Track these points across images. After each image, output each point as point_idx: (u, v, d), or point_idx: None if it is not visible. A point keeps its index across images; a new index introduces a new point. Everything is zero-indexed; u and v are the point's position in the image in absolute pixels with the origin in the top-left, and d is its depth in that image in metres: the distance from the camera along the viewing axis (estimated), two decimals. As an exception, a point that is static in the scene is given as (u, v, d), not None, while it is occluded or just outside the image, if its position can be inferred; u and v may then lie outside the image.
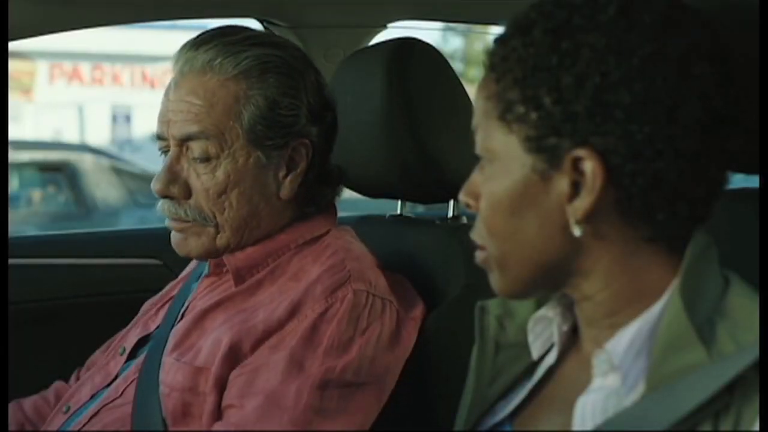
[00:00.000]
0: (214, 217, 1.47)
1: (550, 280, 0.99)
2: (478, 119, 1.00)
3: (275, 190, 1.49)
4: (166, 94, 1.49)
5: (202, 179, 1.45)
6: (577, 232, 0.94)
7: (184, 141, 1.46)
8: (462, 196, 1.02)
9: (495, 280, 1.01)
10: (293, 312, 1.40)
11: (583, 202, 0.93)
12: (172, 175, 1.47)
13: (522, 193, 0.96)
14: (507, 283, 1.00)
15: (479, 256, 1.01)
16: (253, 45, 1.48)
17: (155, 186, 1.47)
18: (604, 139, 0.91)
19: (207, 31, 1.50)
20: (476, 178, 1.01)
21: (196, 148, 1.45)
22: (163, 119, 1.48)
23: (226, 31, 1.51)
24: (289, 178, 1.49)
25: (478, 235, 1.01)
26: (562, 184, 0.94)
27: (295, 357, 1.37)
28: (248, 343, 1.40)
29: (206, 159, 1.45)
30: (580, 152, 0.92)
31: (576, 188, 0.93)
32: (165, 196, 1.48)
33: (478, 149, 1.00)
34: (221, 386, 1.40)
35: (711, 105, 0.93)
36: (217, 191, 1.45)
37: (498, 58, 0.97)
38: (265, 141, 1.46)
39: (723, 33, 0.96)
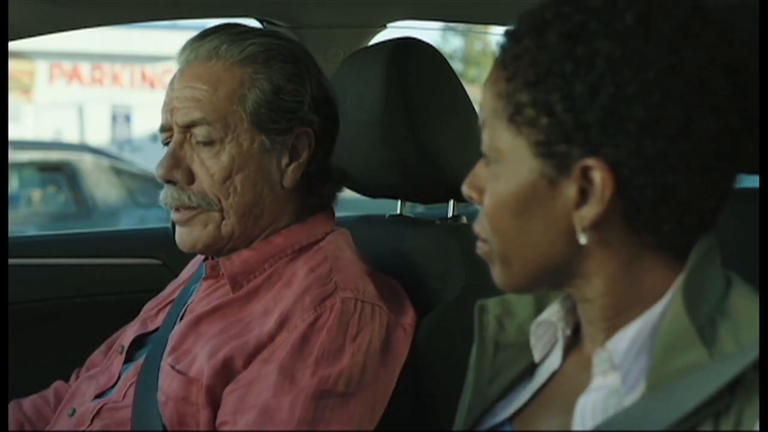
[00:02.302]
0: (219, 202, 1.46)
1: (551, 280, 0.99)
2: (485, 116, 0.98)
3: (279, 178, 1.49)
4: (171, 84, 1.50)
5: (207, 164, 1.46)
6: (582, 240, 0.93)
7: (188, 127, 1.46)
8: (465, 189, 1.01)
9: (497, 273, 1.01)
10: (283, 324, 1.40)
11: (590, 211, 0.92)
12: (176, 160, 1.47)
13: (528, 196, 0.95)
14: (508, 278, 1.00)
15: (481, 248, 1.01)
16: (258, 35, 1.50)
17: (158, 171, 1.47)
18: (615, 150, 0.90)
19: (212, 26, 1.52)
20: (480, 171, 1.00)
21: (200, 132, 1.45)
22: (168, 108, 1.49)
23: (231, 24, 1.53)
24: (292, 167, 1.49)
25: (480, 228, 1.00)
26: (569, 190, 0.93)
27: (287, 369, 1.36)
28: (241, 359, 1.40)
29: (210, 143, 1.45)
30: (590, 162, 0.91)
31: (584, 196, 0.93)
32: (168, 181, 1.48)
33: (485, 147, 0.99)
34: (213, 400, 1.40)
35: (725, 119, 0.91)
36: (222, 176, 1.45)
37: (509, 57, 0.95)
38: (269, 125, 1.47)
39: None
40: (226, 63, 1.47)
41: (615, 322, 0.97)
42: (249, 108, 1.46)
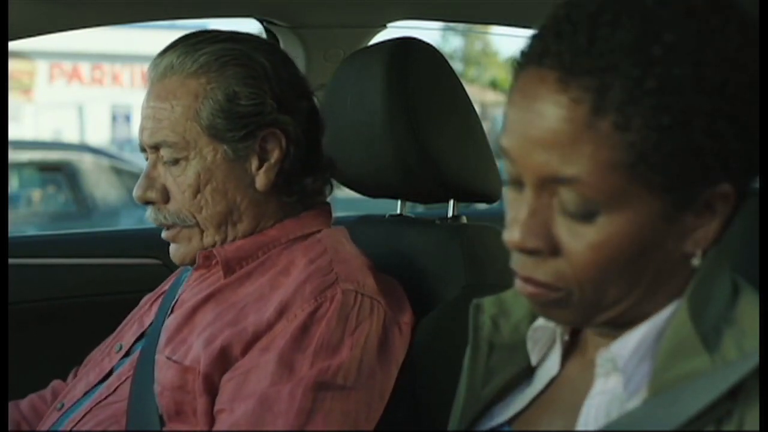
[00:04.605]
0: (194, 217, 1.49)
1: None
2: (583, 167, 0.87)
3: (250, 182, 1.49)
4: (143, 103, 1.52)
5: (177, 182, 1.48)
6: (696, 261, 0.92)
7: (155, 148, 1.49)
8: (529, 241, 0.90)
9: (567, 315, 0.95)
10: (282, 312, 1.41)
11: (713, 228, 0.91)
12: (150, 180, 1.50)
13: (648, 237, 0.89)
14: (590, 319, 0.95)
15: (548, 296, 0.93)
16: (212, 42, 1.50)
17: (135, 193, 1.51)
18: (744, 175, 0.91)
19: (173, 41, 1.53)
20: (546, 218, 0.90)
21: (165, 153, 1.48)
22: (140, 128, 1.51)
23: (189, 34, 1.53)
24: (263, 169, 1.49)
25: (555, 278, 0.91)
26: (688, 219, 0.90)
27: (285, 358, 1.36)
28: (239, 347, 1.40)
29: (176, 162, 1.48)
30: (726, 187, 0.90)
31: (701, 218, 0.91)
32: (145, 202, 1.51)
33: (576, 200, 0.88)
34: (210, 387, 1.40)
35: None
36: (192, 192, 1.47)
37: (624, 95, 0.85)
38: (227, 134, 1.47)
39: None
40: (180, 77, 1.48)
41: (626, 328, 0.95)
42: (204, 122, 1.46)
